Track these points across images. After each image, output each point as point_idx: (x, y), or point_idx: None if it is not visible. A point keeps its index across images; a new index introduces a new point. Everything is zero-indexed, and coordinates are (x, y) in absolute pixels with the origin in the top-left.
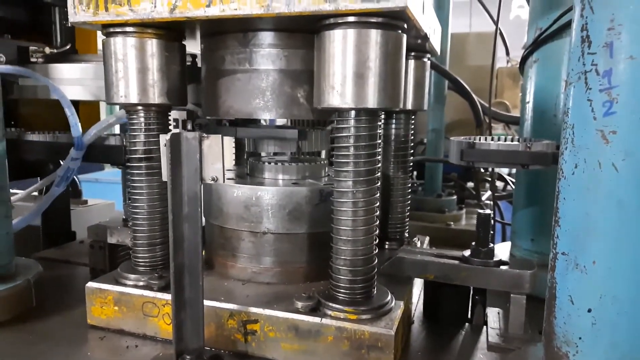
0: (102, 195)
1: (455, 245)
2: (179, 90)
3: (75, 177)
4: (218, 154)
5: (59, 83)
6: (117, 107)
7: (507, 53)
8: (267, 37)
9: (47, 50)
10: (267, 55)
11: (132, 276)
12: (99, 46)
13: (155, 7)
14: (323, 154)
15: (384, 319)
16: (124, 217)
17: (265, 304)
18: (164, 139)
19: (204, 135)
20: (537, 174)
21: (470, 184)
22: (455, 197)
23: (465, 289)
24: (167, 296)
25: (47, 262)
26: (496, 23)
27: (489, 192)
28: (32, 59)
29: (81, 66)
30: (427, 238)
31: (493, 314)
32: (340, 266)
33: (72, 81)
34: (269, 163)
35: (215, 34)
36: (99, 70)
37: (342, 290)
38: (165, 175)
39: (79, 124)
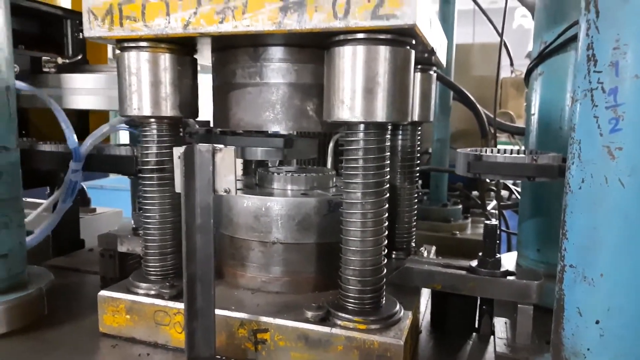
0: (107, 202)
1: (461, 255)
2: (190, 103)
3: (83, 186)
4: (230, 166)
5: (71, 93)
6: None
7: (512, 63)
8: (277, 52)
9: (60, 60)
10: (277, 70)
11: (144, 285)
12: (109, 56)
13: (169, 23)
14: (329, 163)
15: (393, 329)
16: (133, 225)
17: (275, 313)
18: (177, 151)
19: (217, 147)
20: (543, 185)
21: (475, 193)
22: (460, 206)
23: (473, 299)
24: (179, 305)
25: (57, 270)
26: (501, 35)
27: (494, 202)
28: (45, 69)
29: (93, 76)
30: (434, 248)
31: (500, 324)
32: (349, 276)
33: (83, 91)
34: (278, 174)
35: (226, 48)
36: (110, 80)
37: (351, 300)
38: (178, 187)
39: (75, 136)
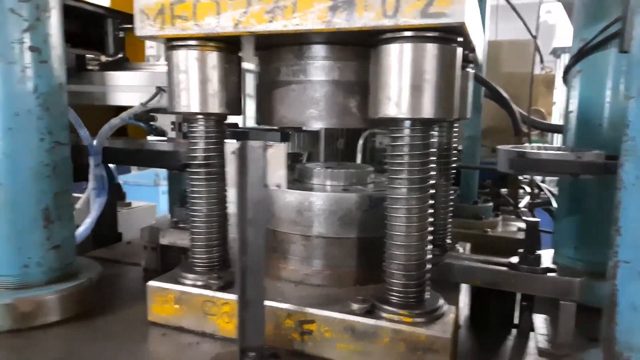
0: (129, 197)
1: (493, 252)
2: (236, 100)
3: (119, 181)
4: (281, 162)
5: (114, 90)
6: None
7: (541, 60)
8: (321, 50)
9: (103, 58)
10: (321, 67)
11: (191, 276)
12: (147, 53)
13: (219, 22)
14: (358, 159)
15: (439, 323)
16: (174, 219)
17: (321, 305)
18: (230, 147)
19: (269, 144)
20: (581, 183)
21: (504, 191)
22: (491, 204)
23: (512, 295)
24: (226, 296)
25: (99, 261)
26: (535, 36)
27: (524, 200)
28: (89, 67)
29: (134, 74)
30: (469, 245)
31: (540, 321)
32: (394, 270)
33: (126, 88)
34: (319, 169)
35: (271, 46)
36: (150, 78)
37: (396, 294)
38: (231, 182)
39: (86, 132)
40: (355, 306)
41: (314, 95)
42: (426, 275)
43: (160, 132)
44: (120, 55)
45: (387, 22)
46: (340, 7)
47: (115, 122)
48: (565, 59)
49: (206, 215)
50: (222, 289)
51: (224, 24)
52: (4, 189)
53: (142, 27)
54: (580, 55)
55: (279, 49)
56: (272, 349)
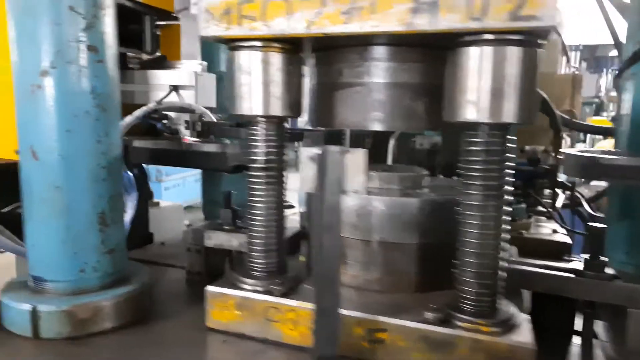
0: None
1: (528, 254)
2: (298, 102)
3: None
4: (360, 167)
5: (155, 89)
6: None
7: (568, 60)
8: (387, 52)
9: (144, 56)
10: (387, 69)
11: (250, 281)
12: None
13: (290, 23)
14: (389, 160)
15: (518, 331)
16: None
17: (392, 313)
18: (307, 152)
19: (347, 149)
20: (633, 187)
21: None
22: (524, 205)
23: (572, 302)
24: (291, 302)
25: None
26: (562, 36)
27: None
28: (130, 66)
29: (174, 72)
30: (515, 249)
31: (603, 328)
32: (468, 278)
33: (166, 87)
34: (372, 172)
35: (330, 47)
36: (190, 77)
37: (470, 302)
38: (306, 187)
39: None
40: (429, 315)
41: (379, 98)
42: (499, 283)
43: (174, 131)
44: (158, 54)
45: (474, 25)
46: (423, 9)
47: (128, 120)
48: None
49: (266, 219)
50: (285, 295)
51: (295, 24)
52: (61, 192)
53: (207, 27)
54: (635, 58)
55: (341, 50)
56: (341, 357)
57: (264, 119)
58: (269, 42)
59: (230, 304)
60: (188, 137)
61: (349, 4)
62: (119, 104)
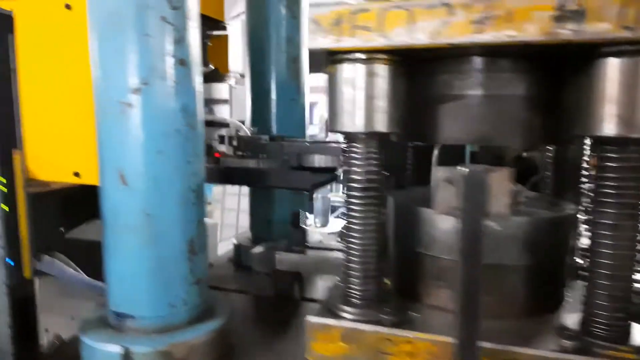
0: None
1: None
2: (403, 118)
3: None
4: (504, 189)
5: (211, 103)
6: None
7: None
8: (503, 62)
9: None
10: (504, 80)
11: (352, 310)
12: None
13: (412, 33)
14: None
15: None
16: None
17: (521, 342)
18: (442, 172)
19: (491, 168)
20: None
21: None
22: None
23: None
24: (407, 333)
25: None
26: None
27: None
28: None
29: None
30: None
31: None
32: (602, 302)
33: (220, 101)
34: None
35: (435, 57)
36: (244, 90)
37: (604, 327)
38: (445, 211)
39: None
40: (566, 342)
41: (494, 112)
42: (631, 307)
43: (207, 146)
44: (212, 67)
45: (628, 35)
46: (567, 17)
47: None
48: None
49: (367, 244)
50: (397, 325)
51: (418, 35)
52: (151, 220)
53: (314, 38)
54: None
55: (449, 60)
56: None
57: (366, 136)
58: (373, 53)
59: (335, 335)
60: (219, 152)
61: (481, 12)
62: (203, 122)
